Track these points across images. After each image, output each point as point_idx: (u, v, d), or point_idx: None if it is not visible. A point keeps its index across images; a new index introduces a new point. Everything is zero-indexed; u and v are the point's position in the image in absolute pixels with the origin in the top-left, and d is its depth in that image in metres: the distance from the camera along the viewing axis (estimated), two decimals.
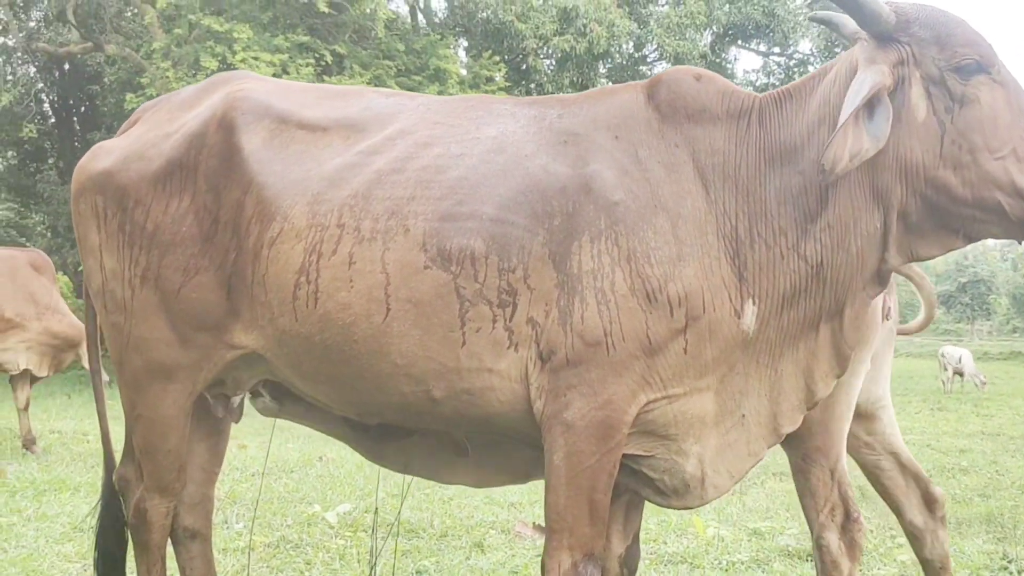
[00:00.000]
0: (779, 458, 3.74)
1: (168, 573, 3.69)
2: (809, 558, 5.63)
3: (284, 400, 3.61)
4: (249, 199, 3.20)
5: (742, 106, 3.03)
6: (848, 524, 3.42)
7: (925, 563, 3.69)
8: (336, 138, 3.24)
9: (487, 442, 3.63)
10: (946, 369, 26.57)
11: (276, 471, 8.20)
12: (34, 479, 7.63)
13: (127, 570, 3.84)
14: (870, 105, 2.70)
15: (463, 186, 3.00)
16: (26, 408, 9.88)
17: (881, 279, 2.93)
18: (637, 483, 3.18)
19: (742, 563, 5.49)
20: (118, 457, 3.79)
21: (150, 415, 3.45)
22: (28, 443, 9.71)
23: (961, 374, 26.45)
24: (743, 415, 3.04)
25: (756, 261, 2.90)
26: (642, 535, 6.07)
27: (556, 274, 2.88)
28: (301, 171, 3.18)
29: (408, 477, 6.92)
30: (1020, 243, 2.80)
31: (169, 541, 3.73)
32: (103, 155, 3.51)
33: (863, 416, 3.65)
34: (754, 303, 2.91)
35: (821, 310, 2.93)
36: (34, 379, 9.99)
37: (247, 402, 3.77)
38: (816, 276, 2.89)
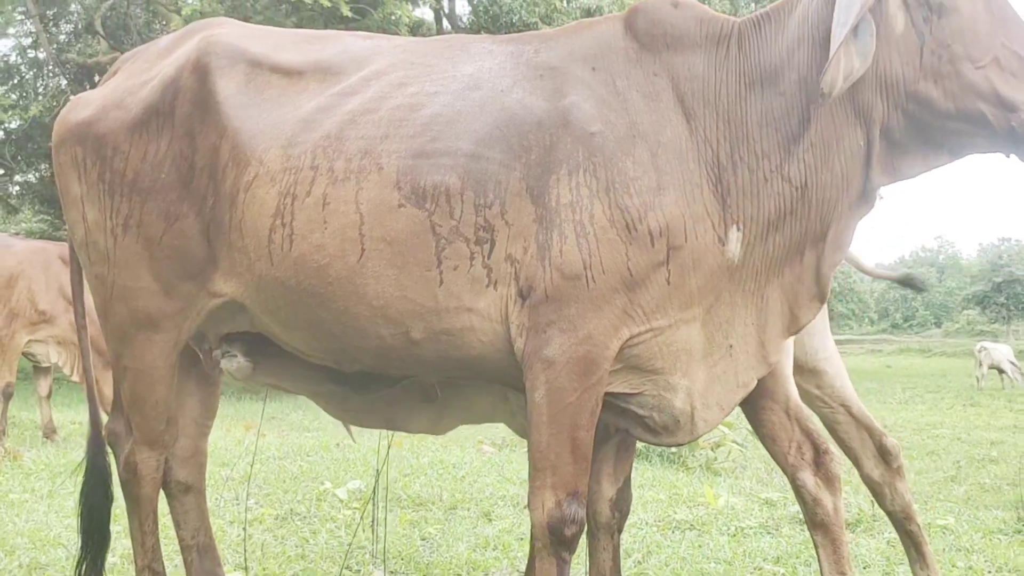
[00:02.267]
0: None
1: (160, 526, 3.68)
2: None
3: (258, 359, 3.56)
4: (225, 144, 3.18)
5: (721, 31, 2.99)
6: (819, 458, 3.34)
7: (890, 515, 3.63)
8: (312, 81, 3.23)
9: (450, 387, 3.63)
10: (981, 365, 26.25)
11: (292, 455, 8.20)
12: (50, 463, 7.67)
13: (117, 526, 3.84)
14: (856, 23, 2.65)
15: (437, 123, 2.97)
16: (48, 396, 9.96)
17: (867, 199, 2.89)
18: (627, 422, 3.14)
19: (751, 529, 5.43)
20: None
21: (137, 366, 3.45)
22: (48, 432, 9.78)
23: (1000, 370, 26.12)
24: (731, 345, 2.99)
25: (739, 186, 2.86)
26: (652, 504, 6.07)
27: (534, 208, 2.85)
28: (276, 115, 3.16)
29: (418, 455, 6.90)
30: (1008, 157, 2.72)
31: (163, 495, 3.72)
32: (82, 106, 3.51)
33: (807, 370, 3.60)
34: (738, 229, 2.86)
35: (807, 233, 2.89)
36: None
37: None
38: (801, 197, 2.85)
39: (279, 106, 3.18)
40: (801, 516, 5.54)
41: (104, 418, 3.85)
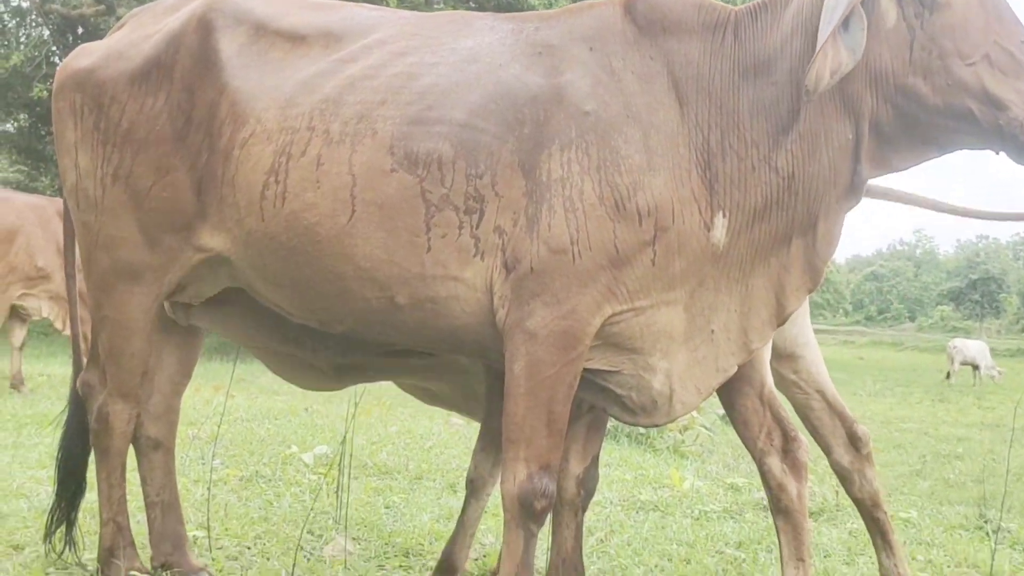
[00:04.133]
0: None
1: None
2: None
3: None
4: (223, 101, 3.19)
5: (718, 18, 2.99)
6: (788, 445, 3.38)
7: (857, 502, 3.65)
8: (315, 47, 3.22)
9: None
10: (953, 361, 26.49)
11: (260, 417, 8.20)
12: (15, 413, 7.64)
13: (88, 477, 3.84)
14: (844, 18, 2.65)
15: (434, 92, 2.97)
16: (21, 348, 9.91)
17: (855, 191, 2.89)
18: (605, 400, 3.16)
19: (714, 512, 5.48)
20: None
21: (116, 316, 3.44)
22: (16, 383, 9.73)
23: (976, 367, 26.33)
24: (712, 330, 3.00)
25: (727, 173, 2.86)
26: (617, 484, 6.12)
27: (524, 182, 2.85)
28: (277, 77, 3.17)
29: (387, 424, 6.88)
30: (997, 153, 2.73)
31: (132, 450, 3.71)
32: (85, 55, 3.51)
33: (784, 356, 3.63)
34: (724, 216, 2.87)
35: (793, 223, 2.89)
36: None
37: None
38: (788, 188, 2.85)
39: (280, 68, 3.18)
40: (765, 503, 5.60)
41: None
